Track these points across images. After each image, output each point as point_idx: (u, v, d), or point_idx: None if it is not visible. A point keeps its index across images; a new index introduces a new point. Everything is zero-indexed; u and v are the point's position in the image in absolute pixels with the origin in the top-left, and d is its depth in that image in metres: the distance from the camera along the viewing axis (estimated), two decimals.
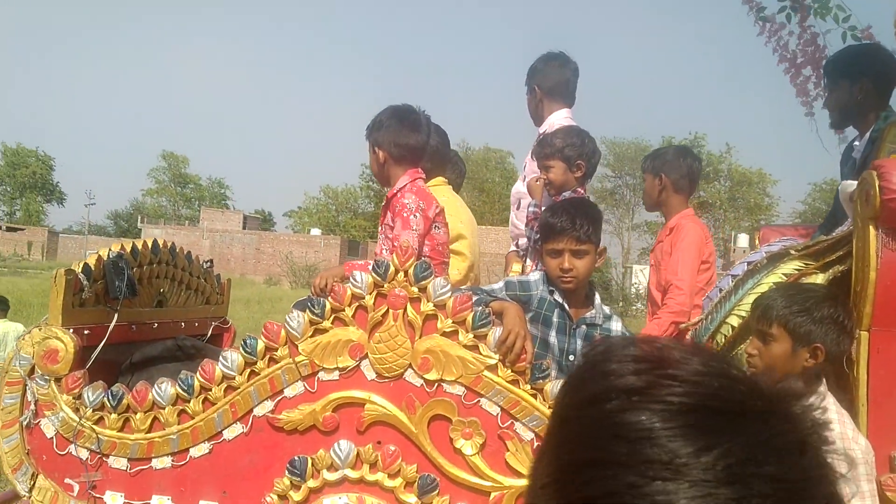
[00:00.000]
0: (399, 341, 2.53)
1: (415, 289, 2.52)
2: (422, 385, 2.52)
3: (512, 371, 2.48)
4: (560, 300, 2.90)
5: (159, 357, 3.14)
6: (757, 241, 3.69)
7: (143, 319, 3.23)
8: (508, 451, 2.48)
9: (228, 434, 2.62)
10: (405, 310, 2.53)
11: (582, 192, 3.54)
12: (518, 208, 4.12)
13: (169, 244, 3.52)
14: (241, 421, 2.61)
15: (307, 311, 2.57)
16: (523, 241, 3.88)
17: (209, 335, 3.84)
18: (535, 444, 2.44)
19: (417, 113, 3.30)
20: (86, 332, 2.81)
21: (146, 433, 2.66)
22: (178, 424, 2.64)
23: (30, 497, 2.73)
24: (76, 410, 2.69)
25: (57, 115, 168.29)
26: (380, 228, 3.29)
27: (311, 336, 2.57)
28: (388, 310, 2.54)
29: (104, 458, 2.68)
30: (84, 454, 2.69)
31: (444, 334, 2.51)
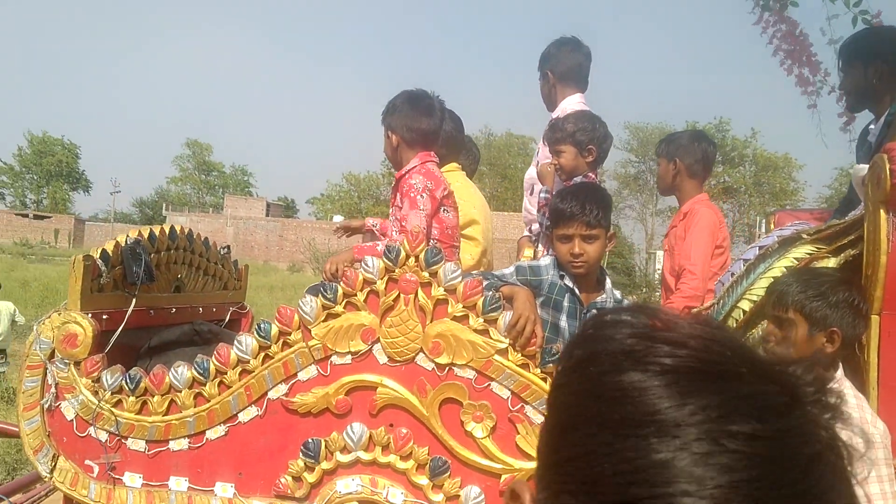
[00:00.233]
0: (410, 325, 2.56)
1: (426, 273, 2.55)
2: (433, 369, 2.55)
3: (522, 355, 2.50)
4: (571, 285, 2.91)
5: (176, 341, 3.19)
6: (771, 225, 3.67)
7: (160, 304, 3.28)
8: (519, 433, 2.51)
9: (243, 417, 2.67)
10: (416, 294, 2.55)
11: (593, 176, 3.54)
12: (531, 193, 4.13)
13: (186, 230, 3.57)
14: (256, 404, 2.66)
15: (320, 295, 2.60)
16: (536, 227, 3.89)
17: (227, 320, 3.90)
18: None
19: (431, 98, 3.33)
20: (104, 316, 2.85)
21: (163, 416, 2.71)
22: (195, 407, 2.69)
23: (51, 478, 2.79)
24: (95, 393, 2.74)
25: (82, 103, 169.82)
26: (390, 210, 3.32)
27: (324, 320, 2.60)
28: (399, 294, 2.56)
29: (123, 440, 2.74)
30: (103, 436, 2.74)
31: (455, 319, 2.53)
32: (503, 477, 2.52)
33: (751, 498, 0.54)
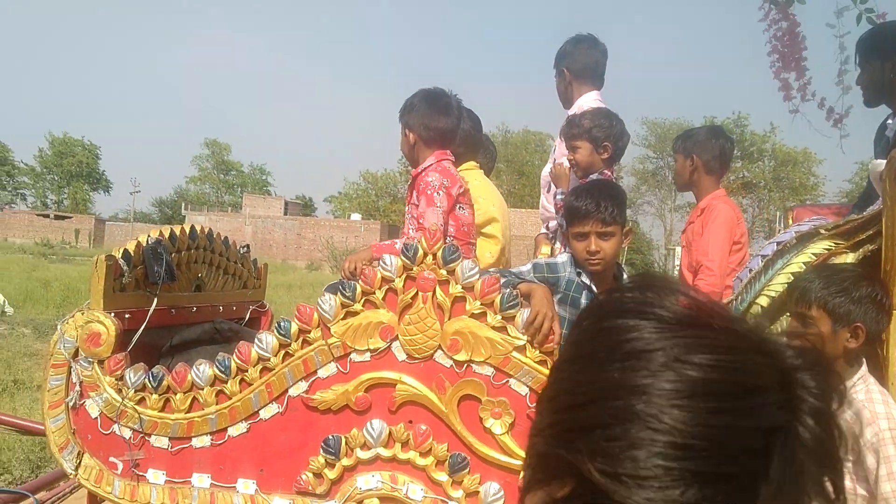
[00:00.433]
0: (428, 323, 2.57)
1: (443, 271, 2.56)
2: (451, 366, 2.56)
3: (540, 352, 2.52)
4: (588, 282, 2.92)
5: (198, 340, 3.23)
6: (790, 221, 3.66)
7: (181, 303, 3.32)
8: None
9: (265, 414, 2.70)
10: (434, 292, 2.57)
11: (609, 174, 3.54)
12: (548, 191, 4.13)
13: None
14: (277, 401, 2.68)
15: (338, 294, 2.63)
16: (553, 224, 3.90)
17: (247, 318, 3.93)
18: None
19: (448, 96, 3.35)
20: (126, 315, 2.90)
21: (186, 413, 2.74)
22: (217, 404, 2.72)
23: (76, 475, 2.84)
24: (119, 391, 2.78)
25: (103, 104, 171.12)
26: (406, 208, 3.34)
27: (343, 318, 2.62)
28: (417, 292, 2.58)
29: (146, 437, 2.78)
30: (127, 433, 2.78)
31: (473, 316, 2.55)
32: (522, 473, 2.52)
33: (702, 419, 0.61)
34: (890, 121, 3.23)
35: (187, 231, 3.38)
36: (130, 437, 2.78)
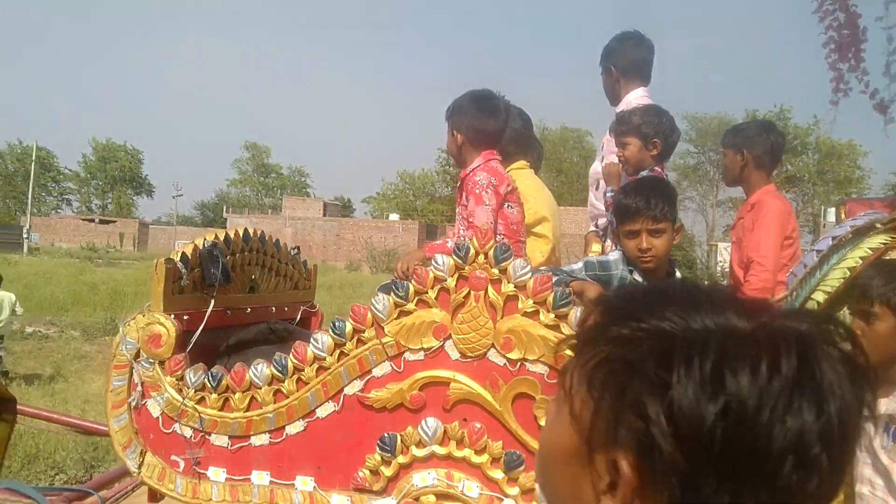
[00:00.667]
0: (481, 322, 2.59)
1: (495, 270, 2.58)
2: (505, 364, 2.58)
3: None
4: (640, 279, 2.91)
5: (253, 340, 3.28)
6: (843, 215, 3.61)
7: (237, 305, 3.38)
8: None
9: (321, 412, 2.74)
10: (486, 291, 2.58)
11: (659, 170, 3.52)
12: (596, 188, 4.13)
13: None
14: (333, 399, 2.72)
15: (392, 293, 2.66)
16: (602, 221, 3.90)
17: (298, 319, 3.99)
18: None
19: (496, 98, 3.37)
20: (185, 317, 2.96)
21: (245, 412, 2.79)
22: (275, 403, 2.76)
23: (139, 473, 2.91)
24: (179, 391, 2.84)
25: (145, 109, 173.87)
26: (457, 209, 3.37)
27: (396, 318, 2.65)
28: (469, 291, 2.60)
29: (206, 436, 2.83)
30: (188, 432, 2.84)
31: (526, 314, 2.56)
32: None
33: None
34: None
35: (241, 234, 3.44)
36: (191, 436, 2.84)
